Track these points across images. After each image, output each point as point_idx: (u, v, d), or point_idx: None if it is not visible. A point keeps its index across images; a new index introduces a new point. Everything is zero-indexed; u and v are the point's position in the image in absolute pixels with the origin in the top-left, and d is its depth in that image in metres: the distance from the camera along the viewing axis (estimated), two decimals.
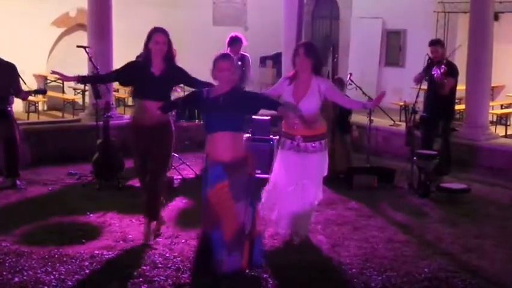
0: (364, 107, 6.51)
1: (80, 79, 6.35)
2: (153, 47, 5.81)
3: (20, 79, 7.95)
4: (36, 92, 8.58)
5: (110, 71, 6.68)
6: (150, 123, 5.81)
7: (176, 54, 6.25)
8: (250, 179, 5.10)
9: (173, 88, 6.54)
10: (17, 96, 8.11)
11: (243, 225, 4.97)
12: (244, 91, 5.47)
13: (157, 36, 5.82)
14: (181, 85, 6.78)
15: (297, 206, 5.92)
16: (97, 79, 7.12)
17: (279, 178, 6.05)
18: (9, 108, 7.98)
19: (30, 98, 10.69)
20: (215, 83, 5.23)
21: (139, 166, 6.09)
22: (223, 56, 5.14)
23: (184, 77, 6.04)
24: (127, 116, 10.25)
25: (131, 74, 5.93)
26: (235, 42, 8.93)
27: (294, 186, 5.90)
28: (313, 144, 5.88)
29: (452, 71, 8.67)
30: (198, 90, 5.38)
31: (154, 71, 5.85)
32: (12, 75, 7.86)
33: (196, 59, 10.61)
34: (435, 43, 8.90)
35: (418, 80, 8.89)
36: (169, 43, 5.89)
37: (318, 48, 6.04)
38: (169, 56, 5.92)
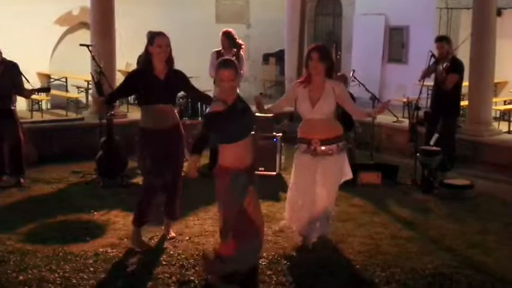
0: (368, 116, 6.55)
1: (106, 101, 6.37)
2: (155, 51, 5.72)
3: (22, 78, 7.97)
4: (39, 90, 8.57)
5: (117, 88, 6.43)
6: (166, 127, 5.78)
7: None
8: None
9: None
10: (20, 95, 8.14)
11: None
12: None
13: (160, 39, 5.74)
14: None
15: (311, 211, 5.88)
16: (114, 99, 6.81)
17: (298, 182, 5.99)
18: (12, 107, 8.00)
19: (34, 96, 10.74)
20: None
21: (157, 170, 5.80)
22: (226, 64, 4.80)
23: (185, 84, 5.99)
24: (130, 114, 10.28)
25: (136, 81, 5.81)
26: (229, 37, 8.84)
27: (309, 193, 5.87)
28: (329, 147, 5.85)
29: (456, 67, 8.65)
30: (210, 113, 4.83)
31: (158, 75, 5.77)
32: (15, 75, 7.88)
33: (199, 57, 10.61)
34: (441, 39, 8.89)
35: (423, 76, 8.88)
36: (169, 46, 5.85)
37: (330, 51, 6.04)
38: (170, 59, 5.86)
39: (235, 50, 8.70)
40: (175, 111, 6.07)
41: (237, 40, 8.85)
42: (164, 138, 5.77)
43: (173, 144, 5.87)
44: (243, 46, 8.85)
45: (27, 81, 8.11)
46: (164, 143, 5.76)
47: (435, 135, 8.62)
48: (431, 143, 8.54)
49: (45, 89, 8.88)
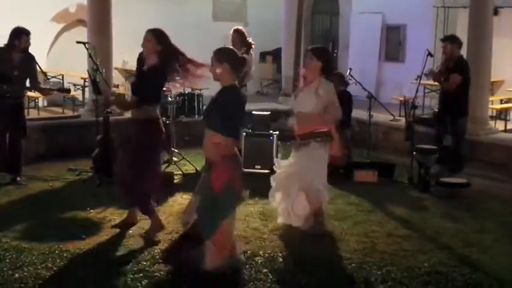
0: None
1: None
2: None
3: (37, 70, 7.92)
4: (59, 90, 8.43)
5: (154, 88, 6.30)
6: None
7: None
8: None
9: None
10: (33, 88, 8.09)
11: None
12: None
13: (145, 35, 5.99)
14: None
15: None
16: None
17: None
18: (22, 101, 8.00)
19: (31, 94, 10.70)
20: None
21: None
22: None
23: None
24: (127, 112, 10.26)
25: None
26: (240, 35, 8.80)
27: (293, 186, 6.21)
28: (307, 142, 6.16)
29: (460, 68, 8.61)
30: None
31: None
32: (33, 66, 7.88)
33: (196, 55, 10.59)
34: (445, 39, 8.90)
35: (433, 77, 8.89)
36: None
37: (328, 51, 6.31)
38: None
39: (245, 48, 8.63)
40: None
41: (247, 39, 8.82)
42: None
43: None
44: (252, 45, 8.79)
45: (46, 77, 8.03)
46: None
47: (448, 137, 8.62)
48: (445, 143, 8.52)
49: (66, 90, 8.46)
